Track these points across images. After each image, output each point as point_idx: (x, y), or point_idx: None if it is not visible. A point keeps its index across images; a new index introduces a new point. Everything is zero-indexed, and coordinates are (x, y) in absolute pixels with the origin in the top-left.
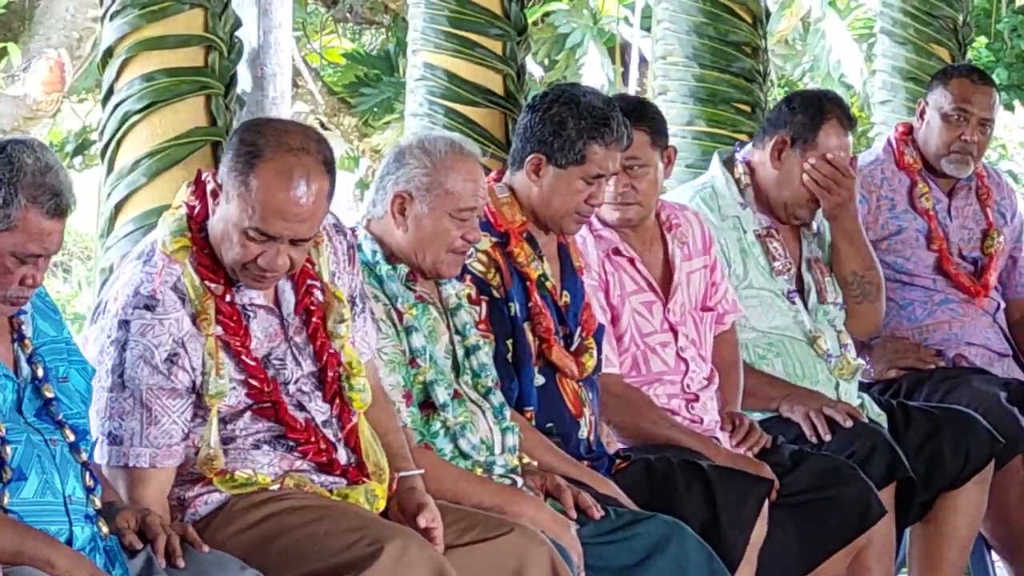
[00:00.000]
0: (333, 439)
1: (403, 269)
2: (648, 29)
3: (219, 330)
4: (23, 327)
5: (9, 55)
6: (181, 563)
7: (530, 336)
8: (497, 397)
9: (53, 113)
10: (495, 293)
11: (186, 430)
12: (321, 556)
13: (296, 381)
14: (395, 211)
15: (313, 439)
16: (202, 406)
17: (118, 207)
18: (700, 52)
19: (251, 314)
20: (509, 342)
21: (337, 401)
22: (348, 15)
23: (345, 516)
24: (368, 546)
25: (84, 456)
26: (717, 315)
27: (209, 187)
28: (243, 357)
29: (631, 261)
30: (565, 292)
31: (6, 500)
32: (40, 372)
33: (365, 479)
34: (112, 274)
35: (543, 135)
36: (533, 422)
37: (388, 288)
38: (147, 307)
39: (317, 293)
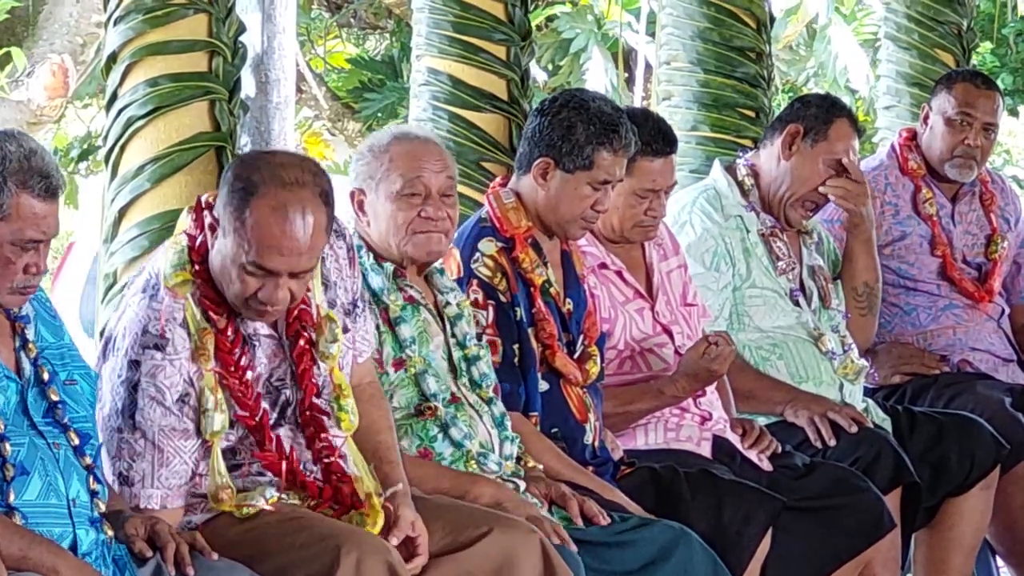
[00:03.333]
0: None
1: (389, 267)
2: (652, 34)
3: (217, 365)
4: (26, 331)
5: (13, 60)
6: (191, 571)
7: (534, 342)
8: (498, 407)
9: (57, 118)
10: (502, 298)
11: (194, 469)
12: (296, 567)
13: (296, 405)
14: (356, 209)
15: (289, 473)
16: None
17: (122, 212)
18: (704, 57)
19: (256, 343)
20: (516, 347)
21: (311, 429)
22: (352, 20)
23: (316, 526)
24: (328, 555)
25: (88, 460)
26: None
27: (207, 221)
28: (236, 392)
29: (618, 273)
30: (568, 299)
31: (12, 499)
32: (46, 376)
33: (355, 508)
34: (118, 305)
35: (552, 139)
36: (538, 427)
37: (372, 282)
38: (156, 347)
39: (306, 316)
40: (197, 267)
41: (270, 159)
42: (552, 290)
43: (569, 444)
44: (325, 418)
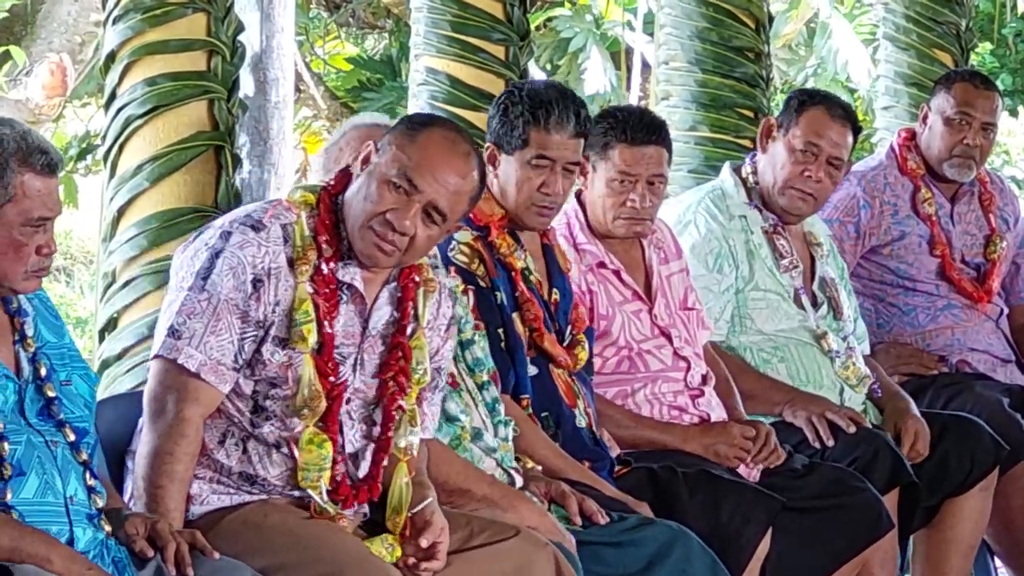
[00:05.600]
0: (352, 474)
1: None
2: (651, 34)
3: (311, 289)
4: (25, 327)
5: (12, 59)
6: (191, 572)
7: (520, 326)
8: (491, 392)
9: (56, 117)
10: (481, 283)
11: (238, 362)
12: None
13: (346, 390)
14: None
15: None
16: (285, 347)
17: (121, 211)
18: (703, 57)
19: (343, 296)
20: (501, 331)
21: (376, 432)
22: (351, 20)
23: (321, 545)
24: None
25: (85, 456)
26: (699, 318)
27: (363, 154)
28: (324, 323)
29: (616, 273)
30: (555, 290)
31: (9, 497)
32: (43, 372)
33: (383, 528)
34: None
35: (493, 125)
36: (529, 409)
37: None
38: (254, 227)
39: (410, 327)
40: (324, 200)
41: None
42: (533, 278)
43: (559, 428)
44: (399, 411)
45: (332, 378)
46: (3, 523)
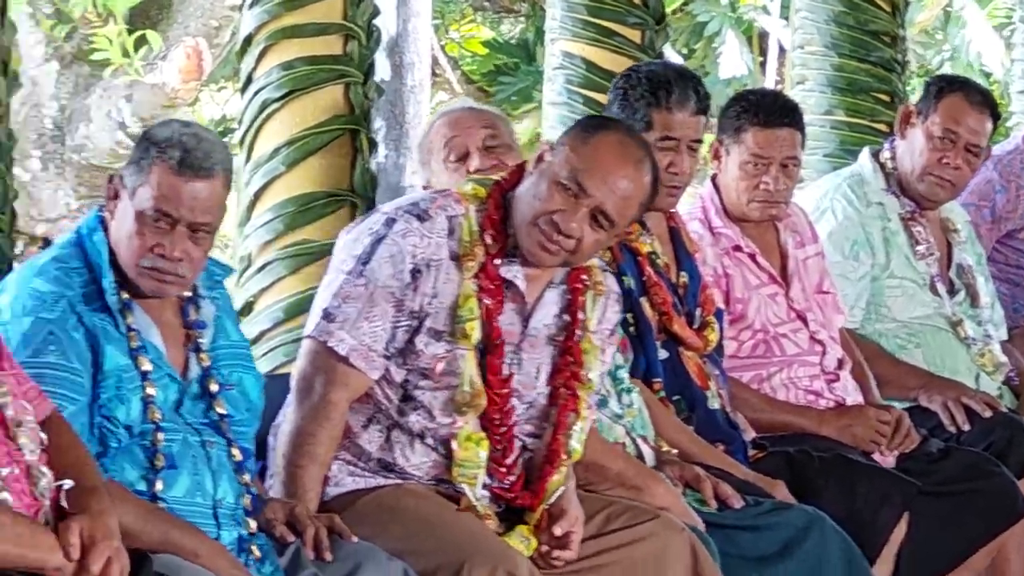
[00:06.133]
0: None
1: None
2: (787, 18)
3: (476, 283)
4: (200, 340)
5: (148, 43)
6: (328, 556)
7: (648, 310)
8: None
9: (192, 101)
10: (608, 268)
11: (389, 350)
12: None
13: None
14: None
15: (509, 457)
16: (440, 340)
17: (256, 195)
18: (839, 41)
19: (504, 293)
20: (629, 315)
21: (544, 435)
22: (487, 4)
23: (450, 530)
24: (454, 566)
25: (240, 459)
26: (834, 302)
27: (538, 152)
28: (492, 320)
29: (752, 256)
30: (683, 273)
31: (159, 488)
32: (214, 387)
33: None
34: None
35: (612, 110)
36: (661, 393)
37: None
38: (418, 216)
39: (579, 332)
40: (494, 195)
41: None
42: (660, 261)
43: (692, 411)
44: (572, 416)
45: (495, 376)
46: (154, 513)
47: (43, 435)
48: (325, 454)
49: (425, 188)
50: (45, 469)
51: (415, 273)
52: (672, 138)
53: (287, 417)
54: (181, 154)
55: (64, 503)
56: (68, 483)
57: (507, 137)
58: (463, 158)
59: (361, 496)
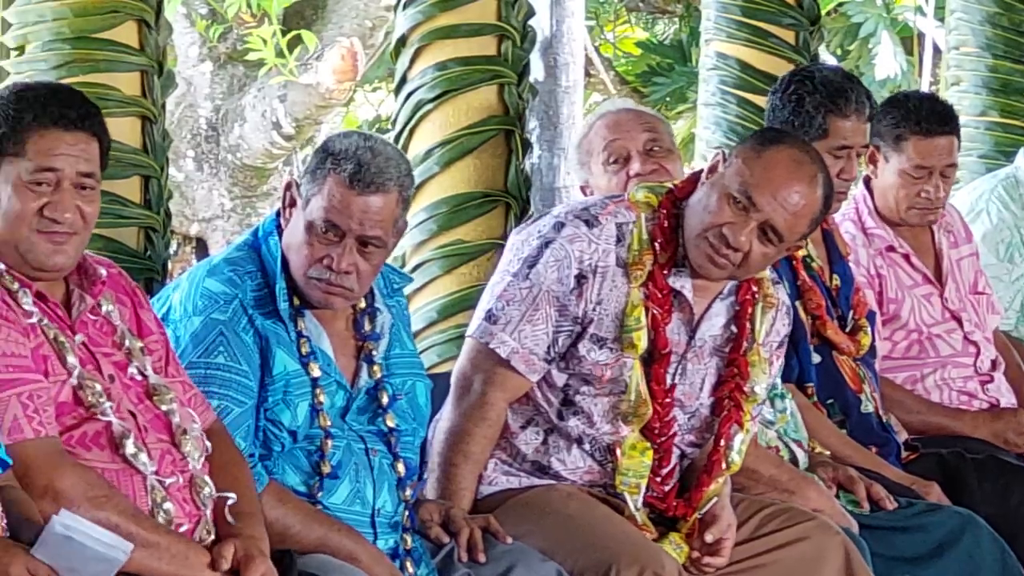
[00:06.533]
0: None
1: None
2: (942, 19)
3: (643, 294)
4: (374, 352)
5: (303, 43)
6: (482, 558)
7: (802, 314)
8: None
9: (346, 102)
10: (780, 280)
11: (551, 354)
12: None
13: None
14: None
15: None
16: (603, 347)
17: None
18: (993, 42)
19: (674, 303)
20: None
21: (705, 445)
22: (641, 4)
23: (599, 531)
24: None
25: (402, 469)
26: (989, 303)
27: (711, 163)
28: (660, 330)
29: (906, 257)
30: (835, 276)
31: (319, 495)
32: (384, 399)
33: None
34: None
35: (785, 116)
36: (814, 398)
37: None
38: (587, 222)
39: (746, 344)
40: (666, 203)
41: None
42: (815, 265)
43: (846, 414)
44: (735, 428)
45: (658, 386)
46: (315, 515)
47: (208, 443)
48: (480, 453)
49: (583, 188)
50: (208, 479)
51: (580, 279)
52: (847, 146)
53: (445, 415)
54: (354, 167)
55: (229, 517)
56: (232, 497)
57: (668, 141)
58: (624, 161)
59: (514, 495)
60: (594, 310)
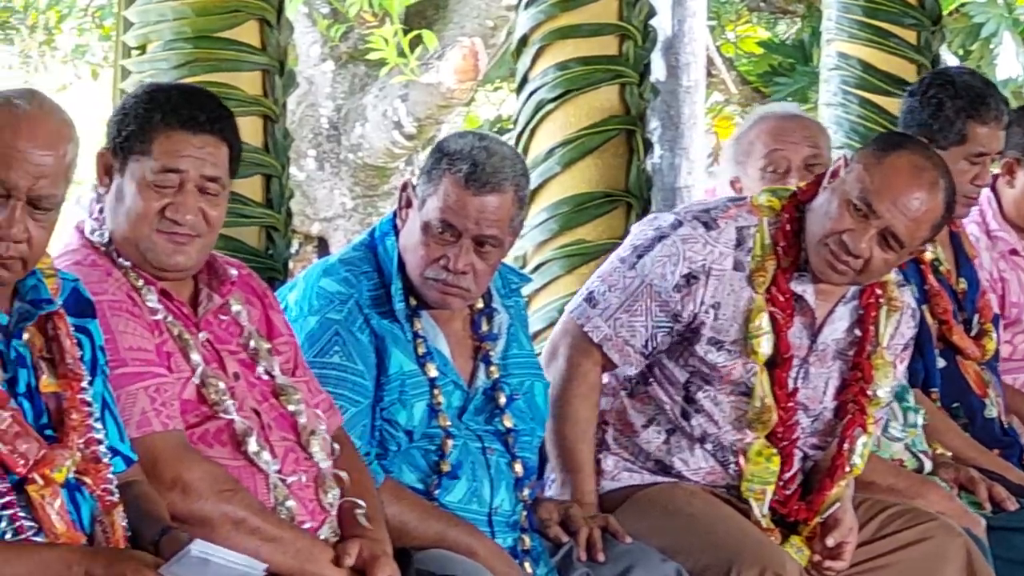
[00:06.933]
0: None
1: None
2: None
3: (767, 296)
4: (491, 353)
5: (424, 42)
6: (601, 557)
7: (929, 318)
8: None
9: (467, 101)
10: (906, 283)
11: (648, 348)
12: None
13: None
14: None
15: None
16: (720, 349)
17: (532, 196)
18: None
19: (796, 307)
20: None
21: (828, 449)
22: (762, 4)
23: (720, 529)
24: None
25: (519, 469)
26: None
27: (833, 167)
28: (782, 335)
29: None
30: (961, 279)
31: (437, 492)
32: (502, 400)
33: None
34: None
35: (923, 118)
36: (938, 403)
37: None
38: (706, 224)
39: (869, 347)
40: (789, 207)
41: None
42: (943, 268)
43: (970, 420)
44: (858, 431)
45: (781, 390)
46: (432, 511)
47: (335, 445)
48: (581, 410)
49: (732, 183)
50: (334, 481)
51: (690, 279)
52: (984, 152)
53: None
54: (470, 168)
55: (363, 520)
56: (362, 505)
57: (827, 154)
58: (783, 173)
59: (635, 491)
60: (706, 312)
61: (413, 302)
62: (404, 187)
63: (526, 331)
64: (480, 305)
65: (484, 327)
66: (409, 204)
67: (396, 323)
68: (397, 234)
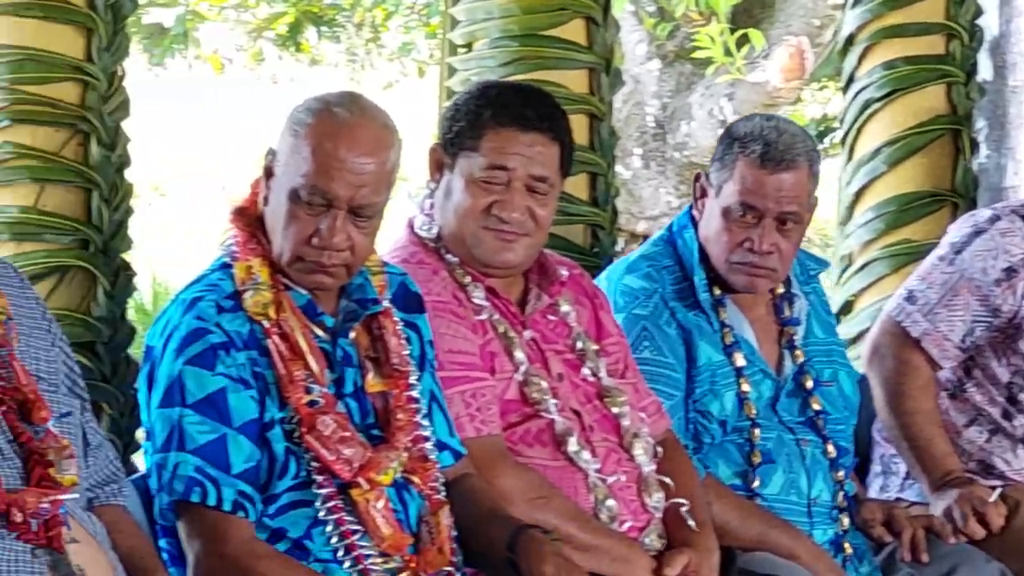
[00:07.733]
0: None
1: None
2: None
3: None
4: (795, 337)
5: (751, 41)
6: (925, 557)
7: None
8: None
9: (793, 100)
10: None
11: (965, 343)
12: None
13: None
14: None
15: None
16: None
17: (857, 195)
18: None
19: None
20: None
21: None
22: None
23: None
24: None
25: (834, 453)
26: None
27: None
28: None
29: None
30: None
31: (756, 485)
32: (808, 384)
33: None
34: None
35: None
36: None
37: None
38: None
39: None
40: None
41: None
42: None
43: None
44: None
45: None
46: (753, 511)
47: (659, 449)
48: (923, 401)
49: None
50: (658, 484)
51: (1010, 272)
52: None
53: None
54: (763, 147)
55: (690, 521)
56: (685, 505)
57: None
58: None
59: None
60: None
61: (717, 292)
62: (697, 178)
63: (830, 317)
64: (781, 290)
65: (786, 312)
66: (704, 194)
67: (702, 314)
68: (695, 226)
